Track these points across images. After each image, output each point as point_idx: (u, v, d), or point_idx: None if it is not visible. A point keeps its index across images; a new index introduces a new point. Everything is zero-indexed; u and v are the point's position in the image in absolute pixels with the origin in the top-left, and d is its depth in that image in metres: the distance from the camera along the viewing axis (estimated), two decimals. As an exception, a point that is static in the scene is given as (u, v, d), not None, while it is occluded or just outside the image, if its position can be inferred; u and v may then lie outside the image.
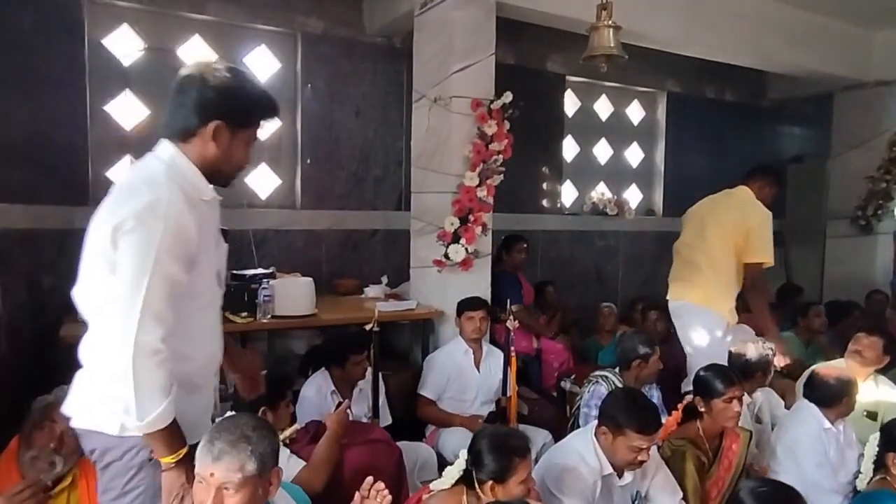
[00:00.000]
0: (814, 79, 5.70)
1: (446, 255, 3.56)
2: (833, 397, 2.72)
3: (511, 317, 3.22)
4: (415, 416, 3.34)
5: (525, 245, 4.31)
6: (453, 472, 1.91)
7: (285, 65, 4.24)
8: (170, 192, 1.43)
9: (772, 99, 6.66)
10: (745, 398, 2.69)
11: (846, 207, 6.06)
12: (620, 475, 2.22)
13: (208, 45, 3.97)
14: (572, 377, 3.53)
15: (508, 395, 3.21)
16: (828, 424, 2.70)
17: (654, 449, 2.37)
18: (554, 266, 5.35)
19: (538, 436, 3.14)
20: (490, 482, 1.82)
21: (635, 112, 5.98)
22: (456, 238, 3.56)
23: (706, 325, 3.40)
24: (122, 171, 1.57)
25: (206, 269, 1.54)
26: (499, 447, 1.84)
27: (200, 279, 1.52)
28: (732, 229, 3.33)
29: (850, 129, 6.06)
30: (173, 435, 1.43)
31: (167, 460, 1.43)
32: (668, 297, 3.65)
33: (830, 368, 2.85)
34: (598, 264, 5.69)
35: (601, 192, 5.74)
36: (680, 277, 3.58)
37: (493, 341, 3.64)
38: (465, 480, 1.91)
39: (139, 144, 3.80)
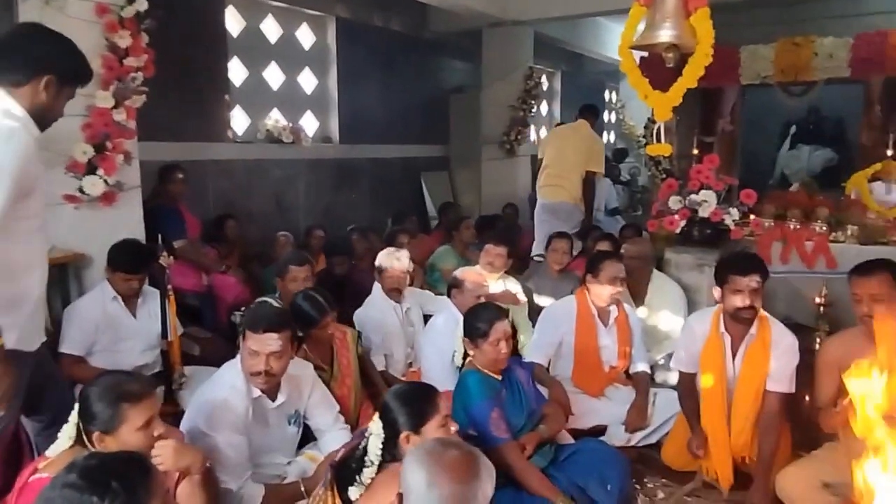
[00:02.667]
0: (465, 14, 6.22)
1: (81, 189, 3.07)
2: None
3: (165, 253, 2.94)
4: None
5: (181, 175, 3.94)
6: (70, 431, 1.67)
7: None
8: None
9: (433, 31, 7.08)
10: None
11: (496, 133, 6.93)
12: (274, 398, 2.22)
13: None
14: (242, 310, 3.41)
15: (170, 338, 2.97)
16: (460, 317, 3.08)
17: (310, 369, 2.43)
18: (229, 198, 5.07)
19: (209, 374, 2.98)
20: (97, 433, 1.63)
21: (306, 36, 5.84)
22: (92, 169, 3.08)
23: (575, 214, 5.19)
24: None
25: (39, 196, 1.79)
26: (105, 394, 1.65)
27: (35, 204, 1.76)
28: (585, 150, 5.12)
29: (496, 63, 6.86)
30: None
31: None
32: (542, 198, 5.28)
33: (468, 272, 3.24)
34: (278, 194, 5.55)
35: (275, 119, 5.54)
36: (553, 184, 5.20)
37: (151, 282, 3.30)
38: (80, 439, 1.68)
39: None
